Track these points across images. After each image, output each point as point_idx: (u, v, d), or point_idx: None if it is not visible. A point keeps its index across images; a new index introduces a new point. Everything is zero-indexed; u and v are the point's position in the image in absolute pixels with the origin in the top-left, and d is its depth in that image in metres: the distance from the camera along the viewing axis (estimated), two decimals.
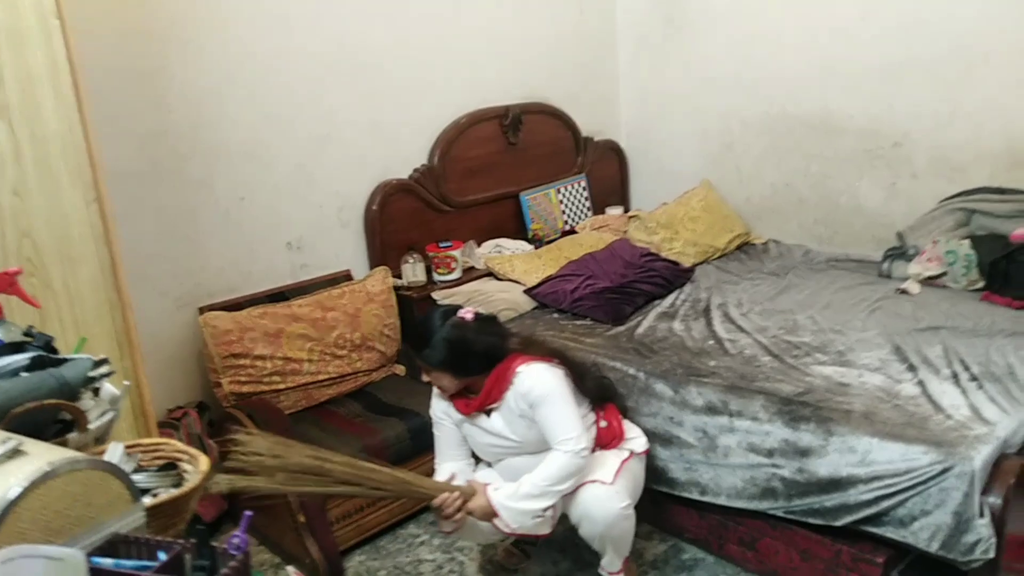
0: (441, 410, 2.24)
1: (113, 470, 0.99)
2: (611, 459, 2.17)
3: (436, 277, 3.34)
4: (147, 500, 1.08)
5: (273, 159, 3.04)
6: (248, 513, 1.06)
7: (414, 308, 3.25)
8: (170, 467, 1.14)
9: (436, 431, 2.28)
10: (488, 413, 2.15)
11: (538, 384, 2.05)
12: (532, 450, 2.12)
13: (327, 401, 2.92)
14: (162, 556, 0.98)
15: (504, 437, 2.15)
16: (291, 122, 3.07)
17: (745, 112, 3.92)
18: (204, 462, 1.12)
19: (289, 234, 3.13)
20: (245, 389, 2.75)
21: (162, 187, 2.77)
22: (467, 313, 2.13)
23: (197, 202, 2.87)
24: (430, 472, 2.72)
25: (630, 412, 2.46)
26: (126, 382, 1.24)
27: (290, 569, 2.53)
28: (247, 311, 2.84)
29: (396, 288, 3.21)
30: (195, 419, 2.79)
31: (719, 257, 3.71)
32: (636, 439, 2.28)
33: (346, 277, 3.23)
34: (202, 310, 2.85)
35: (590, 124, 4.18)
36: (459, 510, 2.05)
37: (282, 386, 2.80)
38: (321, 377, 2.88)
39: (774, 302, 3.07)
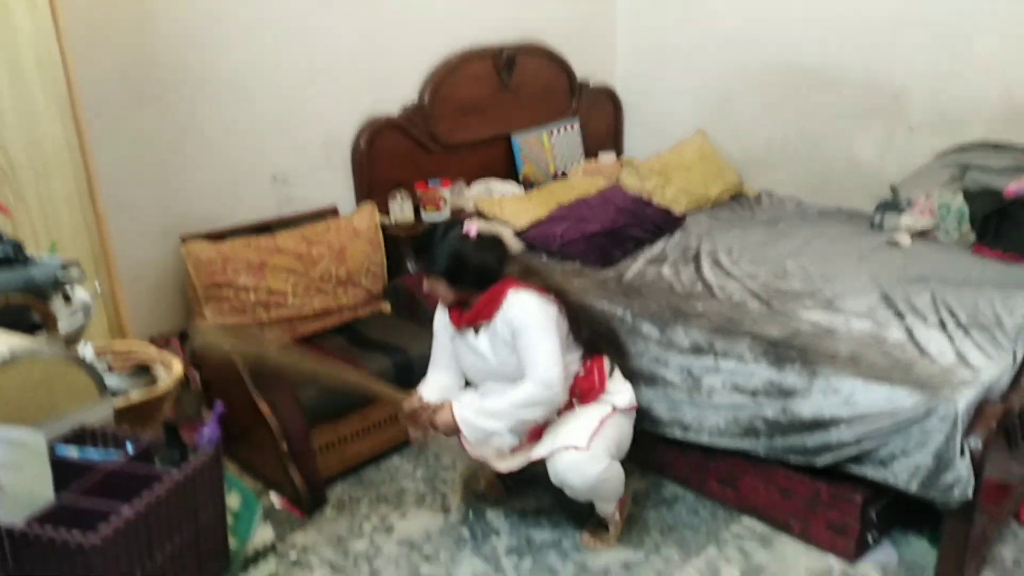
0: (441, 322, 2.27)
1: (78, 362, 0.96)
2: (588, 418, 2.13)
3: (424, 216, 3.29)
4: (120, 399, 1.05)
5: (260, 91, 2.96)
6: (220, 405, 1.03)
7: (400, 246, 3.21)
8: (143, 371, 1.11)
9: (434, 342, 2.32)
10: (477, 331, 2.15)
11: (523, 312, 2.04)
12: (511, 377, 2.11)
13: (311, 335, 2.89)
14: (130, 448, 0.96)
15: (486, 358, 2.15)
16: (279, 53, 2.98)
17: (744, 63, 3.86)
18: (177, 366, 1.09)
19: (275, 167, 3.07)
20: (229, 320, 2.72)
21: (145, 114, 2.69)
22: (471, 228, 2.12)
23: (181, 131, 2.80)
24: None
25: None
26: (97, 284, 1.20)
27: (273, 494, 2.53)
28: (230, 242, 2.79)
29: (383, 226, 3.16)
30: (177, 348, 2.76)
31: (711, 206, 3.68)
32: (620, 394, 2.21)
33: (332, 213, 3.18)
34: (185, 240, 2.80)
35: (586, 68, 4.11)
36: (426, 421, 2.12)
37: (266, 318, 2.77)
38: (305, 311, 2.85)
39: (764, 250, 3.05)
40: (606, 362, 2.23)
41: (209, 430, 0.99)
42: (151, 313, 2.84)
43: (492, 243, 2.15)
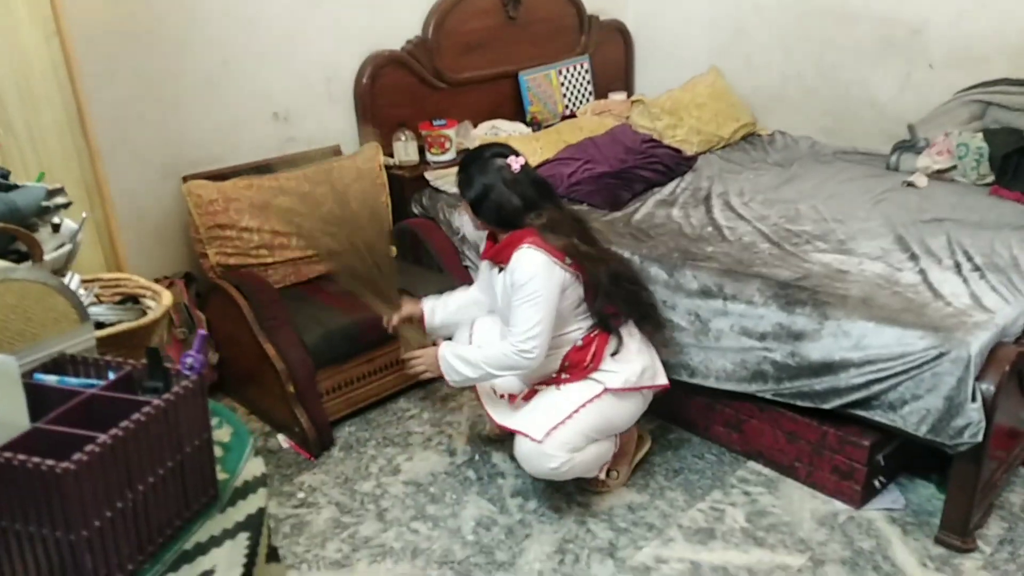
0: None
1: (57, 285, 0.93)
2: (564, 402, 2.05)
3: (429, 157, 3.23)
4: (106, 330, 1.02)
5: (258, 22, 2.87)
6: (203, 332, 1.00)
7: (405, 188, 3.15)
8: (132, 302, 1.08)
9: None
10: (500, 269, 2.11)
11: (523, 270, 1.97)
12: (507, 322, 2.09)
13: (316, 277, 2.86)
14: (111, 376, 0.94)
15: (497, 299, 2.13)
16: None
17: None
18: (166, 297, 1.06)
19: (275, 104, 3.00)
20: (232, 261, 2.69)
21: (139, 47, 2.62)
22: (515, 163, 2.04)
23: (177, 65, 2.72)
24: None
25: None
26: (84, 213, 1.16)
27: (280, 436, 2.55)
28: (232, 181, 2.74)
29: (387, 167, 3.10)
30: (182, 289, 2.74)
31: (723, 147, 3.60)
32: (614, 373, 2.07)
33: (335, 152, 3.12)
34: (186, 179, 2.75)
35: (596, 1, 3.96)
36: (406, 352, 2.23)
37: (270, 260, 2.74)
38: (310, 252, 2.81)
39: (777, 192, 2.98)
40: (611, 341, 2.10)
41: (192, 358, 0.97)
42: (155, 254, 2.81)
43: (531, 184, 2.05)
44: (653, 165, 3.21)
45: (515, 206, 2.02)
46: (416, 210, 3.15)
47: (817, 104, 3.70)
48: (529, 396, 2.15)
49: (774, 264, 2.35)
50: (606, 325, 2.10)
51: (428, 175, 3.15)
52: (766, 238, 2.56)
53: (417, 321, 2.32)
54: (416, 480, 2.30)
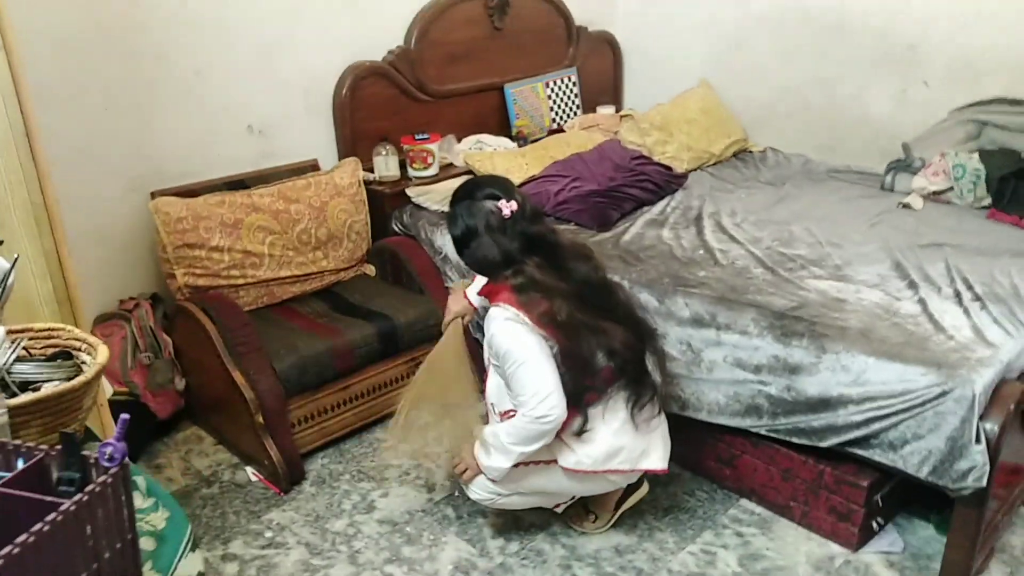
0: None
1: None
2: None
3: (411, 172, 3.11)
4: (26, 395, 0.90)
5: (234, 30, 2.75)
6: (125, 416, 0.88)
7: (385, 205, 3.03)
8: (64, 356, 0.96)
9: None
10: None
11: (499, 340, 1.79)
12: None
13: (290, 299, 2.74)
14: (20, 465, 0.81)
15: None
16: None
17: (752, 6, 3.63)
18: (103, 353, 0.93)
19: (251, 117, 2.87)
20: (201, 282, 2.56)
21: (110, 55, 2.49)
22: (506, 208, 1.83)
23: (149, 74, 2.59)
24: (396, 377, 2.60)
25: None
26: (15, 254, 1.04)
27: (249, 470, 2.42)
28: (203, 198, 2.61)
29: (367, 183, 2.98)
30: (148, 311, 2.61)
31: (714, 164, 3.50)
32: (568, 451, 1.84)
33: (312, 167, 3.00)
34: (154, 195, 2.62)
35: (584, 12, 3.87)
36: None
37: (241, 281, 2.62)
38: (283, 274, 2.69)
39: (770, 212, 2.89)
40: (576, 421, 1.84)
41: (112, 447, 0.84)
42: (120, 273, 2.68)
43: (519, 235, 1.83)
44: (642, 183, 3.11)
45: (493, 259, 1.84)
46: (396, 228, 3.03)
47: (810, 120, 3.61)
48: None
49: (769, 291, 2.25)
50: (575, 400, 1.81)
51: (410, 191, 3.03)
52: (760, 262, 2.46)
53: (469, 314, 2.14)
54: (391, 518, 2.18)
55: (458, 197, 1.93)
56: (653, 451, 1.93)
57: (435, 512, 2.20)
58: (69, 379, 0.92)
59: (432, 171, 3.12)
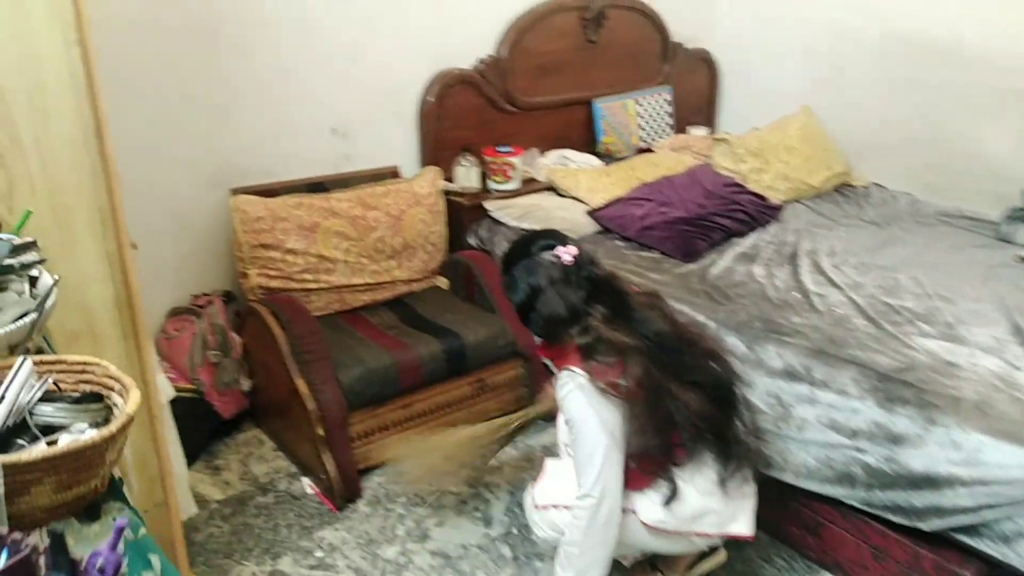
0: None
1: None
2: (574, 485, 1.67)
3: (491, 185, 3.01)
4: (38, 448, 0.79)
5: (322, 30, 2.70)
6: (121, 524, 0.75)
7: (463, 216, 2.94)
8: (94, 398, 0.86)
9: None
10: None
11: (567, 408, 1.64)
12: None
13: (361, 307, 2.67)
14: (4, 558, 0.70)
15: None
16: None
17: (861, 30, 3.40)
18: (133, 399, 0.84)
19: (334, 118, 2.82)
20: (274, 284, 2.52)
21: (196, 48, 2.47)
22: (566, 254, 1.67)
23: (234, 69, 2.57)
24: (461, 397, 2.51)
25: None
26: (55, 276, 0.97)
27: (305, 481, 2.36)
28: (282, 199, 2.57)
29: (446, 192, 2.89)
30: (220, 308, 2.58)
31: (813, 197, 3.29)
32: (649, 502, 1.66)
33: (392, 174, 2.93)
34: (235, 192, 2.60)
35: (682, 28, 3.71)
36: None
37: (313, 286, 2.56)
38: (356, 281, 2.63)
39: (873, 256, 2.68)
40: (661, 487, 1.66)
41: (102, 557, 0.73)
42: (196, 269, 2.67)
43: (586, 280, 1.67)
44: (735, 213, 2.93)
45: (559, 315, 1.65)
46: (472, 241, 2.94)
47: (920, 156, 3.37)
48: None
49: (872, 347, 2.06)
50: (657, 462, 1.65)
51: (488, 204, 2.94)
52: (862, 312, 2.27)
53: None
54: (445, 551, 2.08)
55: (511, 260, 1.76)
56: (741, 515, 1.75)
57: (491, 549, 2.09)
58: (97, 425, 0.83)
59: (513, 185, 3.02)
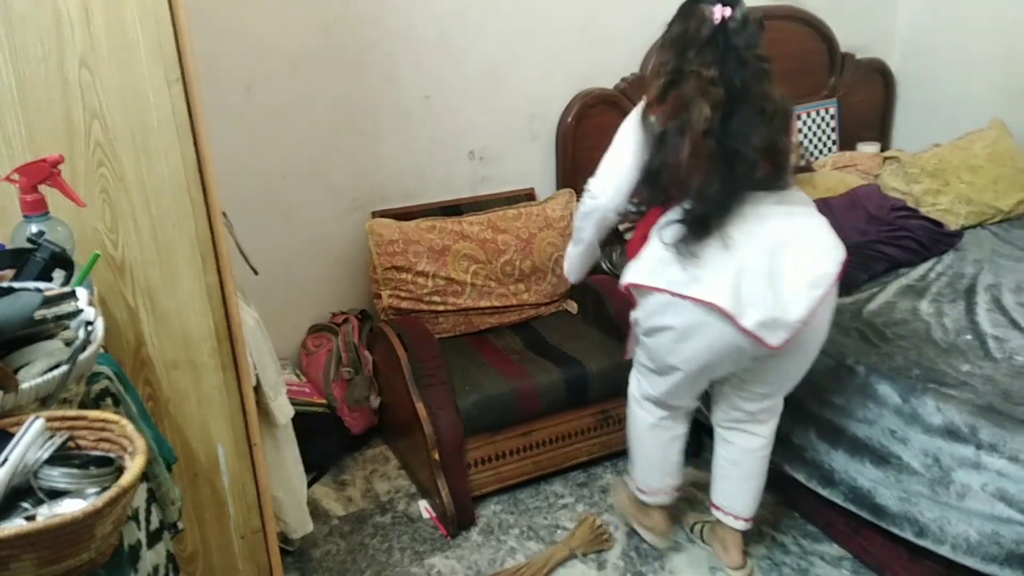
0: None
1: None
2: None
3: (627, 207, 2.88)
4: (11, 525, 0.74)
5: (463, 55, 2.73)
6: None
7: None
8: (103, 462, 0.84)
9: None
10: None
11: (625, 123, 1.81)
12: None
13: (487, 329, 2.66)
14: None
15: None
16: (488, 13, 2.72)
17: None
18: (133, 470, 0.79)
19: (473, 142, 2.84)
20: (404, 305, 2.56)
21: (342, 74, 2.57)
22: (718, 12, 1.62)
23: (378, 95, 2.65)
24: (583, 428, 2.41)
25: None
26: (96, 322, 0.97)
27: (422, 503, 2.37)
28: (415, 222, 2.62)
29: None
30: (355, 327, 2.67)
31: (1000, 221, 2.88)
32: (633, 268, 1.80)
33: (528, 196, 2.90)
34: (374, 215, 2.68)
35: (853, 37, 3.39)
36: None
37: (441, 308, 2.58)
38: (483, 304, 2.61)
39: None
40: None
41: None
42: (335, 288, 2.78)
43: (728, 47, 1.63)
44: (902, 240, 2.62)
45: (667, 64, 1.70)
46: (605, 266, 2.83)
47: None
48: None
49: None
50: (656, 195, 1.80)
51: (622, 227, 2.81)
52: None
53: None
54: None
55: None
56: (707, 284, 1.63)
57: None
58: (103, 491, 0.80)
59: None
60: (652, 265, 1.71)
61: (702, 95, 1.60)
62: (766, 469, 1.95)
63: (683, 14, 1.69)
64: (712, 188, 1.62)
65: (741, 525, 1.96)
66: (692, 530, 2.15)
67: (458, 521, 2.22)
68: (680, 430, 1.98)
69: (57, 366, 0.90)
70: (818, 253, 1.68)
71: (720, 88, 1.60)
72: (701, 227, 1.63)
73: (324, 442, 2.53)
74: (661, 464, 2.00)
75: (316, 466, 2.51)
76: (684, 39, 1.66)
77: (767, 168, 1.67)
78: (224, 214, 1.49)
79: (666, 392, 1.87)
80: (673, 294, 1.65)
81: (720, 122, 1.60)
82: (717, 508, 1.99)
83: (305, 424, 2.26)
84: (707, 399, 2.01)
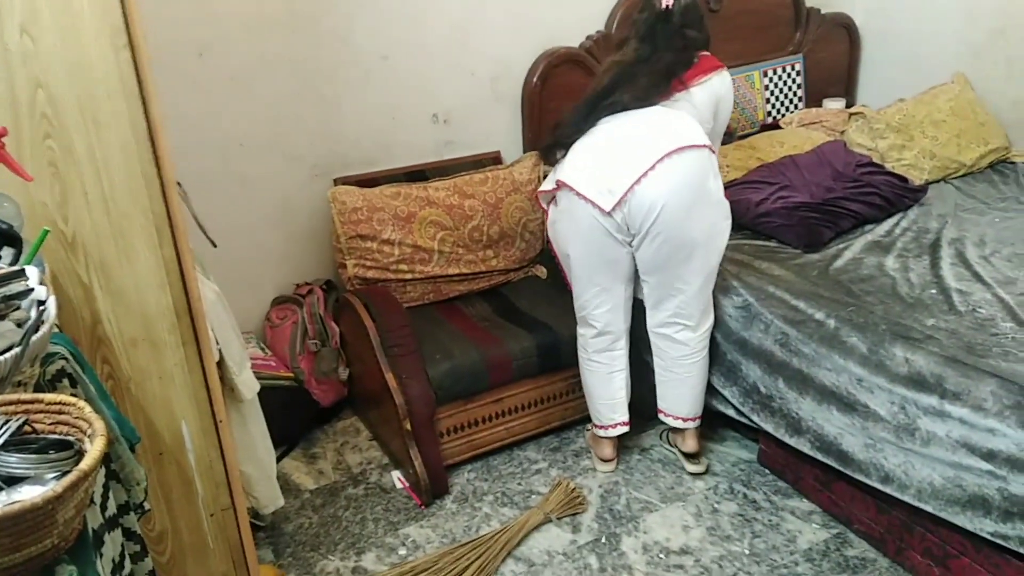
0: None
1: None
2: None
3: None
4: None
5: (423, 14, 2.65)
6: None
7: None
8: (62, 446, 0.81)
9: None
10: None
11: None
12: None
13: (456, 297, 2.63)
14: None
15: None
16: None
17: None
18: (98, 448, 0.76)
19: (436, 105, 2.78)
20: (370, 274, 2.52)
21: (297, 37, 2.49)
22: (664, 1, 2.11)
23: (336, 57, 2.57)
24: (555, 393, 2.42)
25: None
26: (48, 301, 0.93)
27: (395, 474, 2.36)
28: (379, 189, 2.56)
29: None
30: (320, 298, 2.62)
31: (963, 175, 2.91)
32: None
33: (495, 159, 2.86)
34: (336, 182, 2.62)
35: None
36: None
37: (408, 276, 2.54)
38: (451, 271, 2.58)
39: None
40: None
41: None
42: (299, 258, 2.72)
43: (670, 32, 2.17)
44: (868, 196, 2.63)
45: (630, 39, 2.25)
46: None
47: None
48: None
49: (1020, 357, 1.77)
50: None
51: None
52: (1011, 314, 1.95)
53: None
54: (529, 557, 2.00)
55: None
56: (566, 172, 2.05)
57: (577, 558, 1.99)
58: (64, 475, 0.77)
59: None
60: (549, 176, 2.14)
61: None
62: (700, 376, 2.19)
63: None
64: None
65: (684, 425, 2.23)
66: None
67: (432, 490, 2.21)
68: (617, 365, 2.21)
69: (9, 348, 0.86)
70: (659, 136, 1.97)
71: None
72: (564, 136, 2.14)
73: (292, 416, 2.50)
74: (606, 399, 2.24)
75: (285, 440, 2.48)
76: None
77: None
78: (179, 184, 1.44)
79: (583, 299, 2.15)
80: (553, 189, 2.08)
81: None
82: (661, 412, 2.25)
83: (272, 398, 2.22)
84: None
